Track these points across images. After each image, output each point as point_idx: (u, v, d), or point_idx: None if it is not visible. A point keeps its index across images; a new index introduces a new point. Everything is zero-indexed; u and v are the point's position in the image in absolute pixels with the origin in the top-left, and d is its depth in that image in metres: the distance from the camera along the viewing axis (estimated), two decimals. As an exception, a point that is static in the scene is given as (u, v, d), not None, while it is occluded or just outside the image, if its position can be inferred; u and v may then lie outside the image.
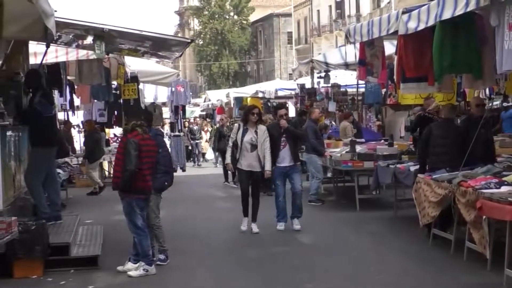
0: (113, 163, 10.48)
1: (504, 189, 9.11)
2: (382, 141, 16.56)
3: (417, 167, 12.34)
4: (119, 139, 11.08)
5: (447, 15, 10.15)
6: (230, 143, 13.27)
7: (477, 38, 10.73)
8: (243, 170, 13.14)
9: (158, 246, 10.56)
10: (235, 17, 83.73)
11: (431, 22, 10.73)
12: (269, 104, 32.88)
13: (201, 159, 33.75)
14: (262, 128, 13.09)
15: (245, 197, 13.25)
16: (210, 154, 33.69)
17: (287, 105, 32.75)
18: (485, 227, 8.95)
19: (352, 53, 17.96)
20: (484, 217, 8.88)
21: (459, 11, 9.79)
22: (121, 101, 22.03)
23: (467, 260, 9.96)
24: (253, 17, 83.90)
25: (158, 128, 17.20)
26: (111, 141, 26.24)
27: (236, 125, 13.72)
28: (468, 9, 9.63)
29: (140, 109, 19.70)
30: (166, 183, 10.75)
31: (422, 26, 11.07)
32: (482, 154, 11.16)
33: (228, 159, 13.46)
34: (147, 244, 10.00)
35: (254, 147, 12.90)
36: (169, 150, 14.73)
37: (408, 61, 11.97)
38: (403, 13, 11.74)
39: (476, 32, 10.72)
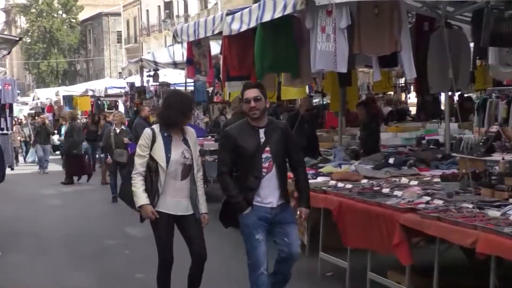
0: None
1: (320, 179, 9.67)
2: (209, 137, 17.06)
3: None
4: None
5: (267, 17, 10.59)
6: (140, 168, 6.96)
7: (295, 39, 11.24)
8: (163, 214, 7.02)
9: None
10: (64, 15, 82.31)
11: (252, 24, 11.12)
12: (99, 102, 32.79)
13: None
14: (191, 133, 7.29)
15: (167, 268, 7.27)
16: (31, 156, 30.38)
17: (117, 104, 32.87)
18: (302, 216, 9.56)
19: (180, 52, 18.31)
20: (301, 205, 9.50)
21: (278, 14, 10.26)
22: None
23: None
24: (82, 16, 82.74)
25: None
26: None
27: (147, 131, 7.12)
28: (286, 12, 10.11)
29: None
30: None
31: (244, 28, 11.43)
32: (308, 148, 11.80)
33: (144, 198, 6.93)
34: None
35: (187, 169, 7.09)
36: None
37: (232, 60, 12.38)
38: (227, 14, 12.02)
39: (294, 33, 11.23)
